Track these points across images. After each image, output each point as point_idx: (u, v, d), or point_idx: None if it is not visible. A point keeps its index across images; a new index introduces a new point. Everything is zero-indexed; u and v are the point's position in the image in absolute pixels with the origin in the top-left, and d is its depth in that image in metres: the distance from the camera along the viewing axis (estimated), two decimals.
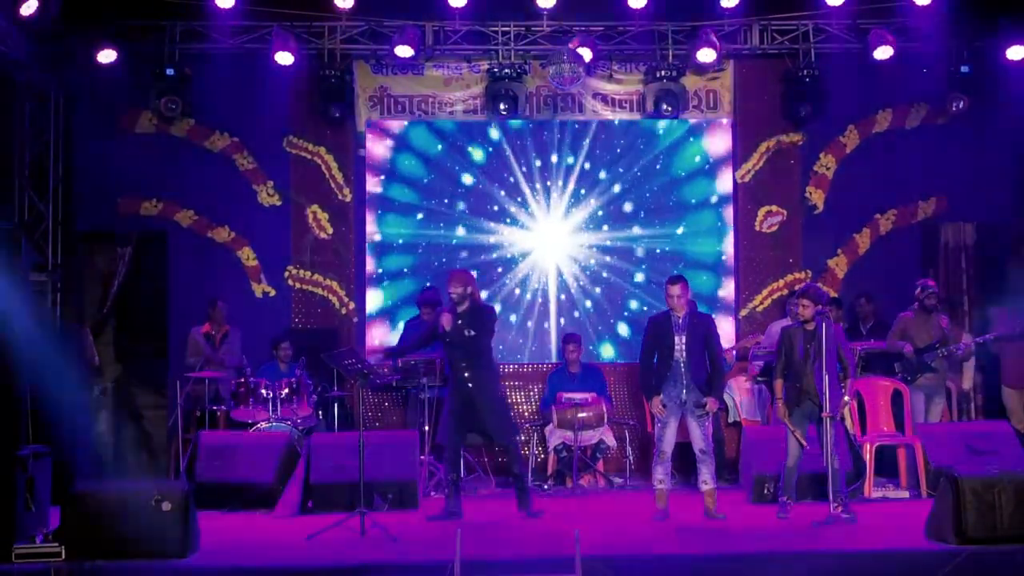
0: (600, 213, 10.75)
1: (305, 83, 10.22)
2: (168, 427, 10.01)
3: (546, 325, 10.69)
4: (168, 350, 10.21)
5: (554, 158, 10.73)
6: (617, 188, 10.73)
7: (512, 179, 10.72)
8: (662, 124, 10.69)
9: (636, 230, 10.73)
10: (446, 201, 10.71)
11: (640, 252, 10.72)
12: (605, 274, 10.72)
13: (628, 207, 10.75)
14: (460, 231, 10.71)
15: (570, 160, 10.72)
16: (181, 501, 6.49)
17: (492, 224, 10.72)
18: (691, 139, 10.82)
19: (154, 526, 6.40)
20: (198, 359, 9.68)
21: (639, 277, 10.70)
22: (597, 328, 10.68)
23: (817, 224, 10.70)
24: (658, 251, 10.72)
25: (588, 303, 10.71)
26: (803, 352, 7.72)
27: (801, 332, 7.80)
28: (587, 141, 10.73)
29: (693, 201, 10.79)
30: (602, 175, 10.73)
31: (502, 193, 10.72)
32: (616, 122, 10.72)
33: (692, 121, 10.72)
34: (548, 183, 10.74)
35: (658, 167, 10.76)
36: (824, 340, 7.45)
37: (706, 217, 10.80)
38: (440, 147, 10.73)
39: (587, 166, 10.73)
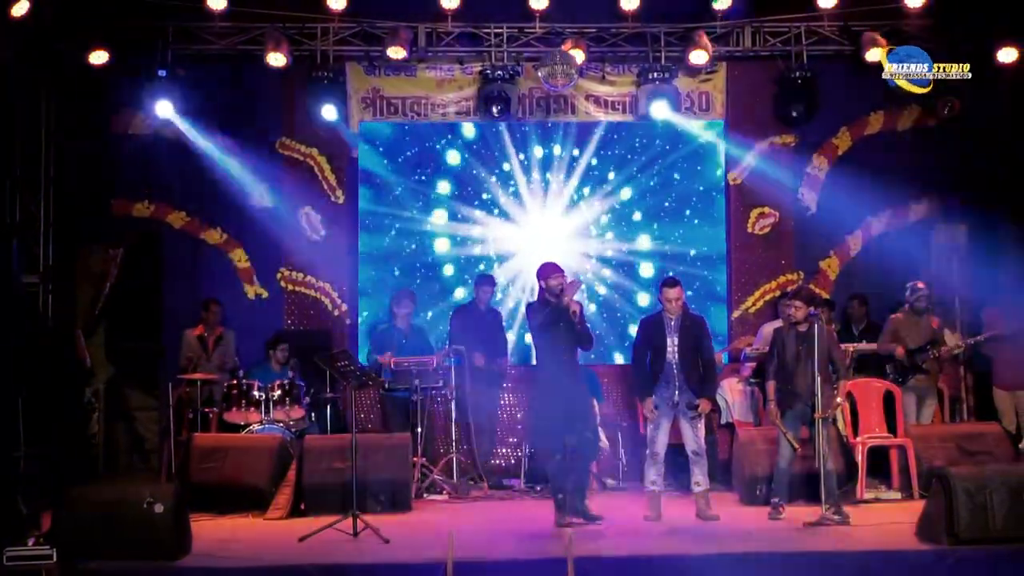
0: (603, 221, 10.81)
1: (298, 85, 10.21)
2: (160, 429, 9.98)
3: None
4: (160, 352, 10.19)
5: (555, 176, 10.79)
6: (618, 191, 10.81)
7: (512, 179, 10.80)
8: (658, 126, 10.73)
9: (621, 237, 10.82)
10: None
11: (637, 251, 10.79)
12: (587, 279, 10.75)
13: (619, 212, 10.82)
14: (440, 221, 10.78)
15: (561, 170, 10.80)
16: (173, 503, 6.47)
17: (481, 218, 10.77)
18: (687, 142, 10.87)
19: (146, 528, 6.38)
20: (191, 362, 9.65)
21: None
22: None
23: (809, 225, 10.72)
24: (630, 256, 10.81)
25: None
26: (795, 354, 7.73)
27: (793, 334, 7.81)
28: (589, 143, 10.79)
29: (689, 203, 10.84)
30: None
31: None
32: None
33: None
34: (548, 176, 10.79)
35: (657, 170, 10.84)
36: (816, 342, 7.47)
37: (703, 219, 10.85)
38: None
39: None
